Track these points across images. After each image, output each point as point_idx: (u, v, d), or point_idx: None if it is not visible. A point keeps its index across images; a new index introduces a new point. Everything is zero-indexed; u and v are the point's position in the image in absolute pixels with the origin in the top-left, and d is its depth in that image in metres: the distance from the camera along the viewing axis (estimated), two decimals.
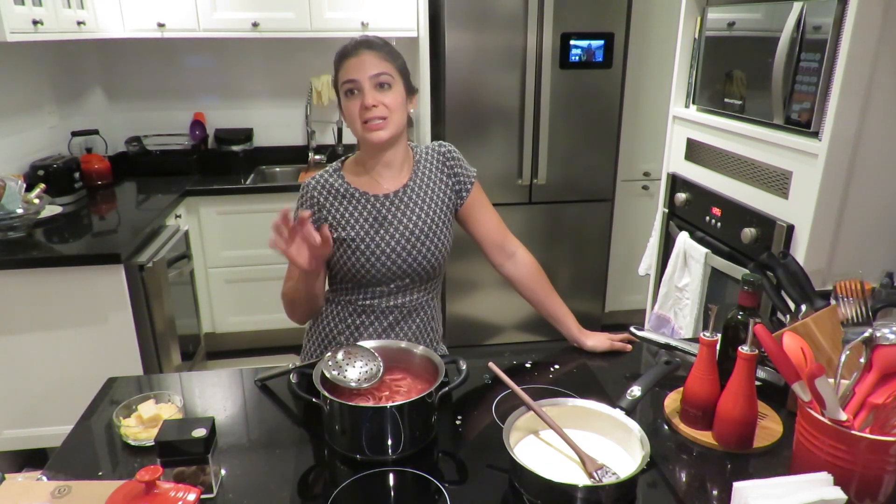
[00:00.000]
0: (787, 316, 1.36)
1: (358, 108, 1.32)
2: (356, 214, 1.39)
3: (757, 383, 1.12)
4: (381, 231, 1.39)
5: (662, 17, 3.09)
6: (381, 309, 1.44)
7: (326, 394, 1.10)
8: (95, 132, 3.20)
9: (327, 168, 1.44)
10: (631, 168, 3.34)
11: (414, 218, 1.41)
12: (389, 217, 1.40)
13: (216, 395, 1.33)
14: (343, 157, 1.47)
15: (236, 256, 3.14)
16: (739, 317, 1.18)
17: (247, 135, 3.48)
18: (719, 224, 2.09)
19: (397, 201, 1.42)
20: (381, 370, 1.19)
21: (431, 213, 1.43)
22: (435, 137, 3.11)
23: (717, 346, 1.16)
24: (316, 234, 1.19)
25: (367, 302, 1.43)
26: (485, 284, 3.20)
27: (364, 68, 1.31)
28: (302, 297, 1.36)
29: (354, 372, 1.17)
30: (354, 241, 1.38)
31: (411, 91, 1.40)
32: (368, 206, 1.40)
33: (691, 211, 2.27)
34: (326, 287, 1.49)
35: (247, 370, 1.40)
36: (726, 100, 2.06)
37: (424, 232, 1.41)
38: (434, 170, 1.46)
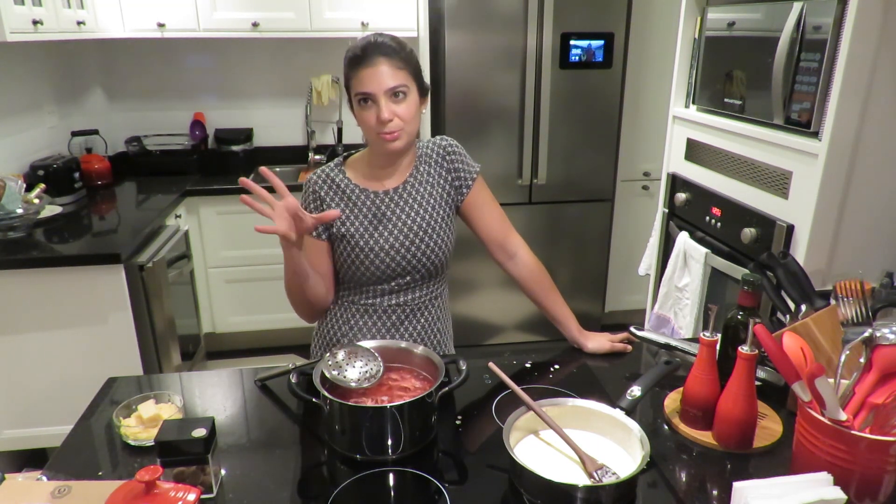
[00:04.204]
0: (787, 316, 1.36)
1: (373, 119, 1.31)
2: (356, 211, 1.40)
3: (757, 383, 1.12)
4: (380, 228, 1.40)
5: (662, 17, 3.09)
6: (384, 308, 1.44)
7: (326, 394, 1.10)
8: (95, 132, 3.20)
9: (330, 164, 1.45)
10: (631, 168, 3.35)
11: (413, 214, 1.41)
12: (388, 213, 1.40)
13: (216, 395, 1.33)
14: (346, 154, 1.47)
15: (236, 256, 3.14)
16: (739, 317, 1.18)
17: (247, 135, 3.48)
18: (719, 224, 2.09)
19: (396, 198, 1.42)
20: (381, 370, 1.19)
21: (430, 210, 1.43)
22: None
23: (717, 346, 1.16)
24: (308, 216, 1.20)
25: (369, 301, 1.44)
26: (485, 284, 3.19)
27: (379, 81, 1.27)
28: (293, 283, 1.34)
29: (354, 372, 1.17)
30: (353, 238, 1.38)
31: (424, 93, 1.38)
32: (368, 203, 1.40)
33: (691, 211, 2.26)
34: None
35: (247, 370, 1.40)
36: (726, 100, 2.06)
37: (423, 228, 1.41)
38: (434, 164, 1.46)
